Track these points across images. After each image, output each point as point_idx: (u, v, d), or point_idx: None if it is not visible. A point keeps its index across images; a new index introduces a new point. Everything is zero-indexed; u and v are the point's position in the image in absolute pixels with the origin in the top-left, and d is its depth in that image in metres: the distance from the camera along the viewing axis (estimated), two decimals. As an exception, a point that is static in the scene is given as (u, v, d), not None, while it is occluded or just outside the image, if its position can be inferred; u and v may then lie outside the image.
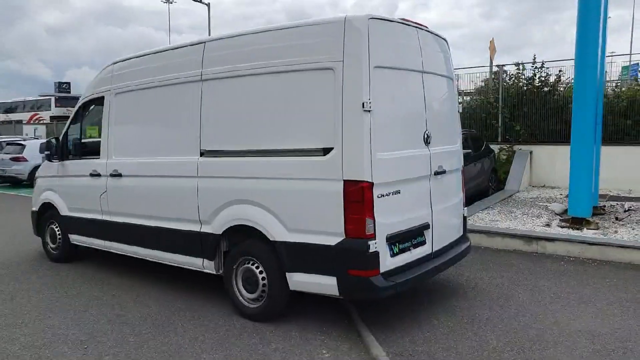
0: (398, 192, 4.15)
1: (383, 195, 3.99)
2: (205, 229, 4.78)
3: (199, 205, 4.82)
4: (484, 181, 10.90)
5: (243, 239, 4.57)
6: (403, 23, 4.43)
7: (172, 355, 3.93)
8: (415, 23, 4.58)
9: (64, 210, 6.50)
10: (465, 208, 5.36)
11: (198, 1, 22.28)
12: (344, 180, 3.89)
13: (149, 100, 5.48)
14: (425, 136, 4.52)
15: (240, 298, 4.60)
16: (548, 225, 7.56)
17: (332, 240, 3.96)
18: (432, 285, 5.31)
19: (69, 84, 36.36)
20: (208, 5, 22.66)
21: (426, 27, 4.76)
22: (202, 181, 4.81)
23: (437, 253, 4.67)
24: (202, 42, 4.97)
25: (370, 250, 3.85)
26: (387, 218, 4.03)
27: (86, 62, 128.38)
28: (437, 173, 4.64)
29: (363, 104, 3.80)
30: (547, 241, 6.64)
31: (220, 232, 4.65)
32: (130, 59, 5.81)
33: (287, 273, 4.23)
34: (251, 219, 4.44)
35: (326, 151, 3.98)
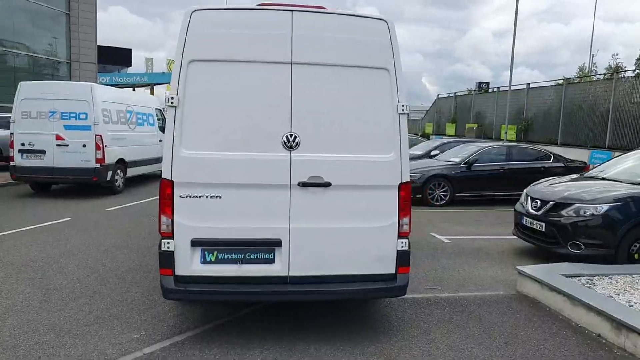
0: (218, 196, 3.75)
1: (189, 196, 3.74)
2: None
3: None
4: None
5: None
6: (262, 9, 3.76)
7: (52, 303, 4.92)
8: (295, 6, 3.75)
9: None
10: (405, 240, 3.93)
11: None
12: None
13: None
14: (286, 139, 3.75)
15: None
16: None
17: None
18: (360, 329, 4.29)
19: (488, 84, 29.99)
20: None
21: (321, 8, 3.81)
22: None
23: (303, 280, 3.84)
24: None
25: (162, 249, 3.77)
26: (195, 221, 3.75)
27: (522, 63, 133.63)
28: (306, 184, 3.76)
29: (167, 98, 3.71)
30: (641, 336, 3.81)
31: None
32: None
33: None
34: None
35: None
